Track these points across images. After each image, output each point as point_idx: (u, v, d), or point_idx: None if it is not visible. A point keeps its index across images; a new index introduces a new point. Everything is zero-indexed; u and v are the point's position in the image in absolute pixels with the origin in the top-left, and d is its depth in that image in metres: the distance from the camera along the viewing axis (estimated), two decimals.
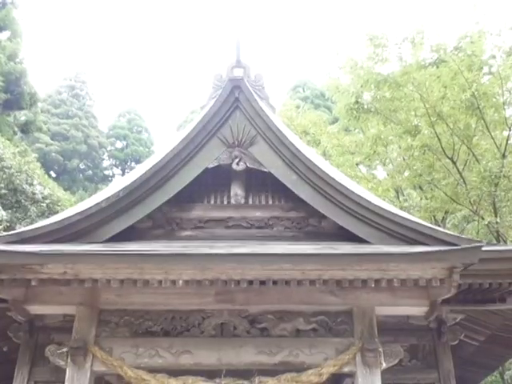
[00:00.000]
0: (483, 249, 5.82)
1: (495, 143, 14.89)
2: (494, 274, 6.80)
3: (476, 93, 14.06)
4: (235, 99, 7.88)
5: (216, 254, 5.81)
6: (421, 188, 17.65)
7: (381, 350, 6.02)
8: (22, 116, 28.11)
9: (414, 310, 6.38)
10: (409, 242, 6.74)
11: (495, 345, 8.67)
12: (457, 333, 8.02)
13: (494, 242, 13.60)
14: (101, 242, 7.07)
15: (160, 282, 5.86)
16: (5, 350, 8.26)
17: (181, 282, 5.83)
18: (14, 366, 8.05)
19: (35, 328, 7.93)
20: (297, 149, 7.55)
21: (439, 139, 15.14)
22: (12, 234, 6.93)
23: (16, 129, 27.81)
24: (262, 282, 5.93)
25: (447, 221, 17.35)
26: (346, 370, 6.09)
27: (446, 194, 15.44)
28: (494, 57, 15.30)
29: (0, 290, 5.93)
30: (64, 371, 6.09)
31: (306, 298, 6.26)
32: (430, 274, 5.73)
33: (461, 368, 8.51)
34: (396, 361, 6.20)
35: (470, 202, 14.69)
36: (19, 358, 7.97)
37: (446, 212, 16.70)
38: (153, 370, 6.03)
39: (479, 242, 6.22)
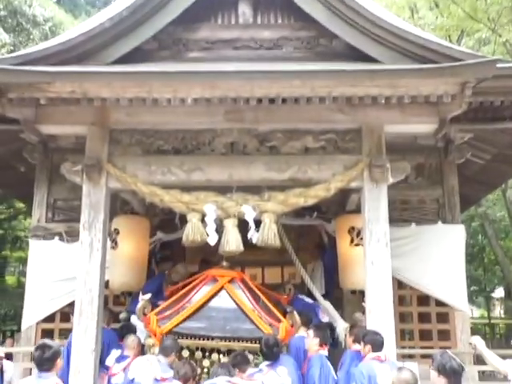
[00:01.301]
0: (497, 65, 5.67)
1: None
2: (506, 91, 6.75)
3: None
4: None
5: (224, 72, 5.72)
6: (437, 6, 16.79)
7: (388, 166, 6.10)
8: None
9: (423, 127, 6.34)
10: (421, 61, 6.58)
11: (500, 163, 8.83)
12: (464, 151, 8.14)
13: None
14: (107, 64, 6.98)
15: (169, 100, 5.81)
16: (22, 171, 8.58)
17: (189, 100, 5.78)
18: (33, 186, 8.43)
19: (49, 149, 8.16)
20: None
21: None
22: (17, 56, 6.85)
23: None
24: (271, 100, 5.87)
25: (462, 42, 16.79)
26: (353, 185, 6.24)
27: (463, 11, 14.70)
28: None
29: (10, 109, 5.96)
30: (80, 189, 6.30)
31: (315, 117, 6.23)
32: (441, 89, 5.62)
33: (465, 186, 8.76)
34: (403, 176, 6.32)
35: (488, 19, 14.04)
36: (37, 178, 8.32)
37: (462, 32, 16.08)
38: (166, 187, 6.21)
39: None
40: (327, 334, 6.25)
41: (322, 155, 6.37)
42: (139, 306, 6.32)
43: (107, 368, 6.20)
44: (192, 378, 5.20)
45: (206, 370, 5.82)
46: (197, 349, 5.93)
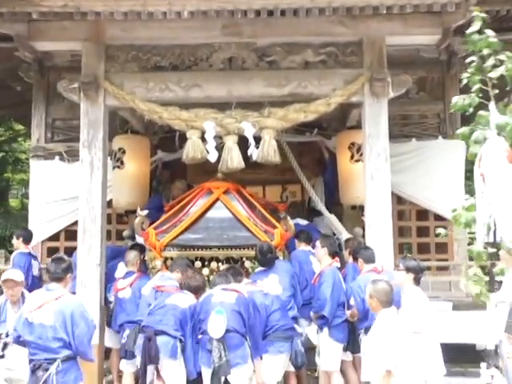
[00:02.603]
0: None
1: None
2: None
3: None
4: None
5: None
6: None
7: (389, 79, 6.01)
8: None
9: (426, 38, 6.19)
10: None
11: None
12: (467, 64, 7.97)
13: None
14: None
15: (164, 14, 5.67)
16: (19, 90, 8.47)
17: (186, 13, 5.63)
18: (31, 106, 8.35)
19: (45, 68, 8.04)
20: None
21: None
22: None
23: None
24: (270, 13, 5.74)
25: None
26: (353, 99, 6.17)
27: None
28: None
29: (1, 24, 5.86)
30: (79, 108, 6.24)
31: (314, 29, 6.06)
32: None
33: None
34: (404, 90, 6.23)
35: None
36: (34, 98, 8.24)
37: None
38: (164, 104, 6.14)
39: None
40: (334, 242, 6.35)
41: (322, 69, 6.26)
42: (136, 221, 6.41)
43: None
44: (202, 288, 5.36)
45: (205, 277, 5.98)
46: (196, 259, 6.09)
